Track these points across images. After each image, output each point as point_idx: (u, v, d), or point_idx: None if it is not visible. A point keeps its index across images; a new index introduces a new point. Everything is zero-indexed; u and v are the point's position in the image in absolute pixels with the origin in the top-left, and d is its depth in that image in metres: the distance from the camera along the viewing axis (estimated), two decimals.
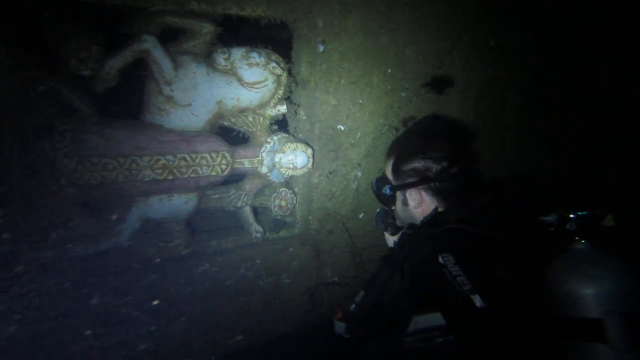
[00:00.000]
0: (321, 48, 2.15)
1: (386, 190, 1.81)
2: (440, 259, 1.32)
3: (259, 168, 2.21)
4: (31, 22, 1.66)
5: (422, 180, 1.68)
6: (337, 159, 2.49)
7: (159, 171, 1.91)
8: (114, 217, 2.01)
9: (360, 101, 2.37)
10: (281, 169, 2.30)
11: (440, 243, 1.40)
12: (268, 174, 2.23)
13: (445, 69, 2.51)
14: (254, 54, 1.98)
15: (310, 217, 2.63)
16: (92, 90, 1.80)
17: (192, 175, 2.00)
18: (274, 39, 2.29)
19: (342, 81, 2.28)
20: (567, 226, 1.50)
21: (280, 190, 2.41)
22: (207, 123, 2.03)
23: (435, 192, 1.66)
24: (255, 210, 2.49)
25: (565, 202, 1.60)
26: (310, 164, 2.32)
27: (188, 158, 1.97)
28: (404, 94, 2.48)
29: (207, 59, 1.98)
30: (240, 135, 2.25)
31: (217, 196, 2.27)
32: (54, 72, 1.71)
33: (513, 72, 2.76)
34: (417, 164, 1.67)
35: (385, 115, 2.50)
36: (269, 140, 2.21)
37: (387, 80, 2.40)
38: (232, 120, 2.14)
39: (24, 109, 1.65)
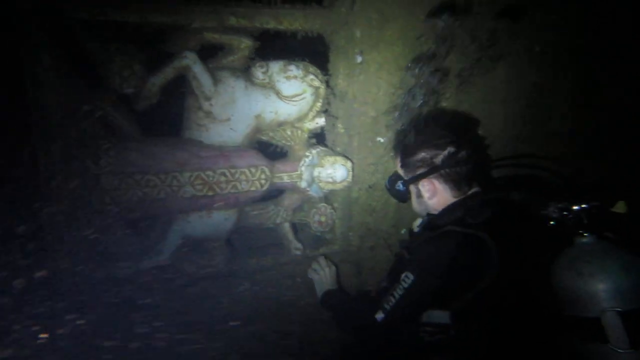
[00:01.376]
0: (359, 59, 2.10)
1: (399, 186, 1.77)
2: (402, 275, 1.50)
3: (298, 183, 2.16)
4: (77, 44, 1.71)
5: (432, 168, 1.62)
6: (376, 172, 2.41)
7: (199, 187, 1.90)
8: (156, 234, 2.01)
9: (397, 112, 2.30)
10: (320, 184, 2.24)
11: (416, 255, 1.55)
12: (307, 189, 2.18)
13: (486, 78, 2.41)
14: (292, 67, 1.96)
15: (350, 234, 2.54)
16: (134, 108, 1.82)
17: (232, 191, 1.98)
18: (309, 51, 2.27)
19: (381, 92, 2.22)
20: (568, 219, 1.49)
21: (320, 205, 2.35)
22: (245, 137, 2.02)
23: (447, 179, 1.62)
24: (294, 227, 2.43)
25: (566, 194, 1.56)
26: (350, 177, 2.25)
27: (227, 173, 1.95)
28: (444, 104, 2.39)
29: (245, 73, 1.98)
30: (278, 149, 2.22)
31: (255, 212, 2.24)
32: (98, 91, 1.75)
33: (559, 79, 2.62)
34: (424, 154, 1.63)
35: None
36: (307, 154, 2.16)
37: (426, 91, 2.32)
38: (271, 134, 2.12)
39: (71, 128, 1.69)
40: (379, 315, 1.58)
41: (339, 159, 2.21)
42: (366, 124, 2.27)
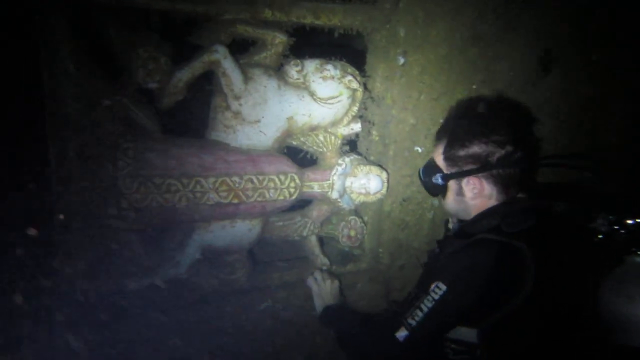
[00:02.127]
0: (401, 60, 1.95)
1: (437, 179, 1.56)
2: (432, 286, 1.34)
3: (329, 193, 1.99)
4: (98, 32, 1.57)
5: (484, 167, 1.44)
6: (412, 185, 2.24)
7: (224, 194, 1.74)
8: (174, 245, 1.85)
9: (441, 120, 2.13)
10: (352, 195, 2.07)
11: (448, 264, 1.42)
12: (339, 200, 2.01)
13: (537, 87, 2.24)
14: (329, 67, 1.81)
15: (380, 250, 2.36)
16: (158, 105, 1.68)
17: (259, 199, 1.82)
18: (343, 50, 2.12)
19: (422, 97, 2.06)
20: (619, 233, 1.36)
21: (350, 218, 2.17)
22: (275, 141, 1.86)
23: (497, 181, 1.47)
24: (321, 240, 2.26)
25: (618, 207, 1.43)
26: (385, 189, 2.08)
27: (255, 180, 1.79)
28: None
29: (278, 71, 1.83)
30: (308, 156, 2.06)
31: (281, 224, 2.07)
32: (120, 85, 1.61)
33: (614, 90, 2.44)
34: (478, 149, 1.44)
35: None
36: (340, 162, 2.00)
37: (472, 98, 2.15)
38: (302, 139, 1.96)
39: (88, 124, 1.54)
40: (402, 334, 1.36)
41: (374, 168, 2.04)
42: (404, 132, 2.10)
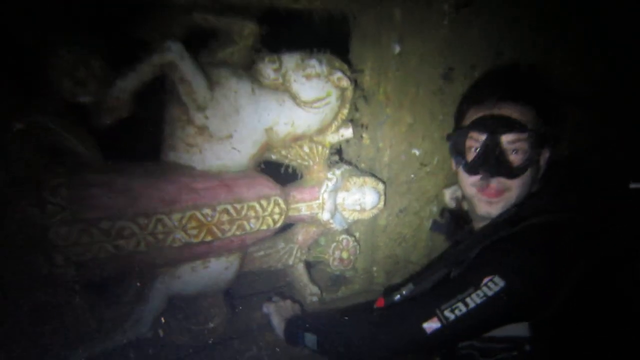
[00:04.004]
0: (397, 48, 1.70)
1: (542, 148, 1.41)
2: (485, 280, 1.17)
3: (319, 214, 1.73)
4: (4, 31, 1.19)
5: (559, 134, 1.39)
6: (409, 193, 2.03)
7: (194, 232, 1.44)
8: (129, 297, 1.52)
9: (441, 117, 1.92)
10: (345, 213, 1.83)
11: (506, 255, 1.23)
12: (330, 221, 1.76)
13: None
14: (313, 62, 1.52)
15: (374, 269, 2.16)
16: (95, 124, 1.33)
17: (237, 233, 1.53)
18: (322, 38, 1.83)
19: (421, 91, 1.83)
20: None
21: (341, 238, 1.93)
22: (252, 159, 1.56)
23: (551, 146, 1.44)
24: (308, 265, 2.01)
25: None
26: (382, 203, 1.86)
27: (232, 210, 1.49)
28: None
29: (249, 71, 1.51)
30: (290, 170, 1.78)
31: (262, 253, 1.80)
32: (39, 100, 1.24)
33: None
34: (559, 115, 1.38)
35: None
36: (330, 175, 1.74)
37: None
38: (283, 152, 1.67)
39: None
40: (432, 325, 1.17)
41: (369, 180, 1.80)
42: (400, 133, 1.87)
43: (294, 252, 1.84)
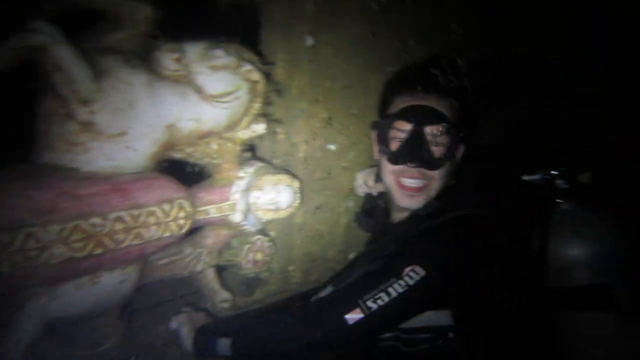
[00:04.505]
0: (310, 41, 1.63)
1: (460, 141, 1.47)
2: (406, 270, 1.21)
3: (231, 216, 1.62)
4: None
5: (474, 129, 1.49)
6: (325, 189, 2.00)
7: (79, 245, 1.25)
8: None
9: (355, 111, 1.90)
10: (258, 212, 1.74)
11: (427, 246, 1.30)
12: (243, 223, 1.66)
13: None
14: (220, 52, 1.39)
15: (290, 268, 2.10)
16: None
17: (135, 242, 1.36)
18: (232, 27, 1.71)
19: (336, 85, 1.78)
20: (557, 184, 1.45)
21: (255, 239, 1.84)
22: (151, 159, 1.40)
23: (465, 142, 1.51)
24: (219, 269, 1.89)
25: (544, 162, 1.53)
26: (298, 201, 1.79)
27: (127, 218, 1.32)
28: None
29: (146, 60, 1.34)
30: (197, 169, 1.64)
31: (165, 261, 1.65)
32: None
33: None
34: (475, 113, 1.47)
35: None
36: (241, 174, 1.63)
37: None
38: (188, 150, 1.53)
39: None
40: (354, 316, 1.19)
41: (283, 177, 1.73)
42: (315, 128, 1.82)
43: (203, 257, 1.72)
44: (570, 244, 1.36)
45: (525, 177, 1.54)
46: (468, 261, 1.28)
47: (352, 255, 2.28)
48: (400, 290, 1.19)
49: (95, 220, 1.27)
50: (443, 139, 1.43)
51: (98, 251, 1.30)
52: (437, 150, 1.43)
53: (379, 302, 1.19)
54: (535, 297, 1.40)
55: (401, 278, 1.20)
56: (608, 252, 1.32)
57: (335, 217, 2.09)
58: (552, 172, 1.49)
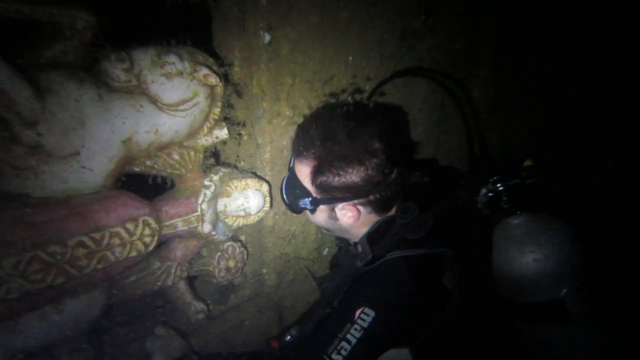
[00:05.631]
0: (266, 37, 1.60)
1: (306, 203, 1.49)
2: (357, 313, 1.29)
3: (199, 227, 1.60)
4: None
5: (360, 194, 1.42)
6: None
7: (38, 276, 1.21)
8: None
9: (320, 105, 1.89)
10: (228, 220, 1.73)
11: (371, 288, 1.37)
12: (212, 232, 1.65)
13: (414, 50, 2.17)
14: (172, 58, 1.35)
15: (264, 271, 2.11)
16: None
17: (99, 267, 1.33)
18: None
19: (297, 81, 1.77)
20: (502, 199, 1.51)
21: (226, 246, 1.83)
22: (109, 176, 1.36)
23: (376, 204, 1.47)
24: (189, 279, 1.87)
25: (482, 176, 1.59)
26: (268, 204, 1.79)
27: (88, 242, 1.29)
28: (367, 87, 2.07)
29: (93, 72, 1.29)
30: (159, 180, 1.60)
31: (133, 278, 1.62)
32: None
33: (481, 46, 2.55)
34: (355, 177, 1.38)
35: None
36: (207, 182, 1.61)
37: (349, 71, 1.96)
38: (148, 163, 1.49)
39: None
40: None
41: (251, 182, 1.72)
42: (280, 127, 1.81)
43: (173, 270, 1.70)
44: (521, 256, 1.42)
45: (468, 195, 1.58)
46: (409, 298, 1.35)
47: (326, 252, 2.31)
48: (358, 335, 1.26)
49: (54, 248, 1.23)
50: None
51: (60, 280, 1.26)
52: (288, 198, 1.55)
53: (343, 352, 1.25)
54: (487, 317, 1.51)
55: (355, 322, 1.28)
56: (560, 259, 1.38)
57: (306, 216, 2.10)
58: (498, 187, 1.53)
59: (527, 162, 1.60)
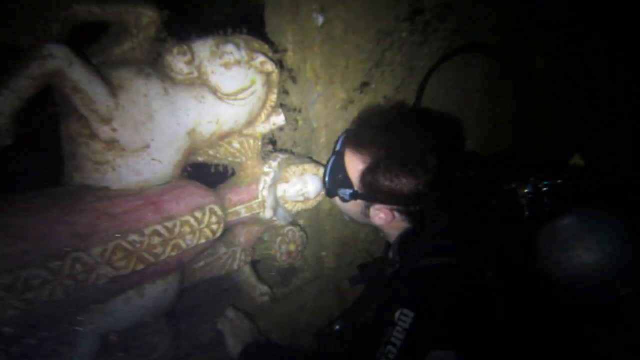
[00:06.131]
0: (320, 20, 1.61)
1: (345, 194, 1.52)
2: (397, 315, 1.27)
3: (262, 213, 1.66)
4: None
5: (401, 202, 1.44)
6: None
7: (122, 263, 1.31)
8: (53, 348, 1.38)
9: (373, 85, 1.89)
10: (287, 205, 1.78)
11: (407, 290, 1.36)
12: (274, 218, 1.70)
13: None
14: (230, 47, 1.39)
15: (323, 254, 2.16)
16: None
17: (173, 254, 1.42)
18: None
19: (350, 62, 1.77)
20: (545, 198, 1.46)
21: (286, 231, 1.89)
22: (176, 167, 1.44)
23: (413, 215, 1.49)
24: (253, 263, 1.95)
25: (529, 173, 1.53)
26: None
27: (163, 231, 1.37)
28: (422, 64, 2.04)
29: (157, 67, 1.36)
30: (221, 169, 1.67)
31: (202, 264, 1.71)
32: None
33: None
34: (405, 188, 1.41)
35: (404, 99, 2.05)
36: (266, 169, 1.66)
37: (404, 51, 1.93)
38: (211, 152, 1.56)
39: None
40: None
41: (308, 167, 1.75)
42: (335, 110, 1.83)
43: (238, 255, 1.78)
44: (569, 260, 1.36)
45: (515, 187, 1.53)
46: (445, 298, 1.33)
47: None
48: (402, 337, 1.27)
49: (134, 237, 1.32)
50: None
51: (140, 267, 1.35)
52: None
53: (391, 356, 1.26)
54: (539, 322, 1.44)
55: (396, 324, 1.28)
56: (612, 263, 1.30)
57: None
58: (541, 186, 1.48)
59: (577, 160, 1.55)
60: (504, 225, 1.53)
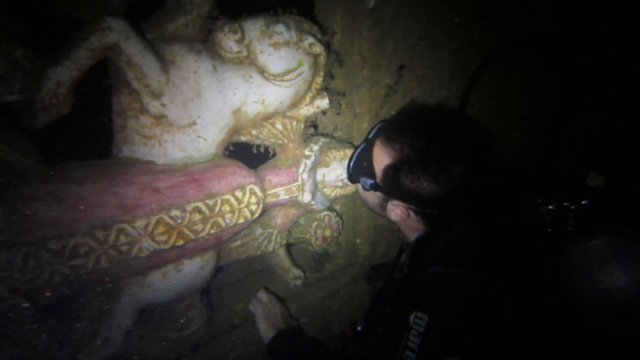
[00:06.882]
0: (372, 2, 1.60)
1: (366, 183, 1.53)
2: (411, 318, 1.28)
3: (300, 197, 1.69)
4: None
5: (418, 202, 1.44)
6: None
7: (163, 238, 1.36)
8: (95, 315, 1.45)
9: (420, 72, 1.87)
10: (326, 190, 1.80)
11: (420, 294, 1.37)
12: (312, 202, 1.72)
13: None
14: (280, 28, 1.40)
15: (357, 241, 2.17)
16: (29, 126, 1.18)
17: (212, 232, 1.46)
18: None
19: (399, 47, 1.75)
20: (570, 217, 1.45)
21: (323, 215, 1.91)
22: (220, 146, 1.47)
23: (428, 218, 1.50)
24: (287, 245, 1.98)
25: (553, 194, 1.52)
26: None
27: (204, 208, 1.41)
28: (473, 52, 2.00)
29: (207, 45, 1.38)
30: (262, 150, 1.70)
31: (238, 243, 1.75)
32: None
33: None
34: (425, 191, 1.41)
35: (449, 87, 2.03)
36: (307, 152, 1.68)
37: (453, 36, 1.90)
38: (254, 132, 1.59)
39: None
40: None
41: (349, 152, 1.76)
42: (379, 95, 1.82)
43: (274, 237, 1.81)
44: (596, 284, 1.34)
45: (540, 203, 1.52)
46: (457, 303, 1.34)
47: None
48: (418, 341, 1.28)
49: (175, 212, 1.36)
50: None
51: (180, 242, 1.40)
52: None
53: (411, 358, 1.28)
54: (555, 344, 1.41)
55: (412, 328, 1.29)
56: None
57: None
58: (566, 205, 1.46)
59: (595, 178, 1.52)
60: (523, 241, 1.52)
